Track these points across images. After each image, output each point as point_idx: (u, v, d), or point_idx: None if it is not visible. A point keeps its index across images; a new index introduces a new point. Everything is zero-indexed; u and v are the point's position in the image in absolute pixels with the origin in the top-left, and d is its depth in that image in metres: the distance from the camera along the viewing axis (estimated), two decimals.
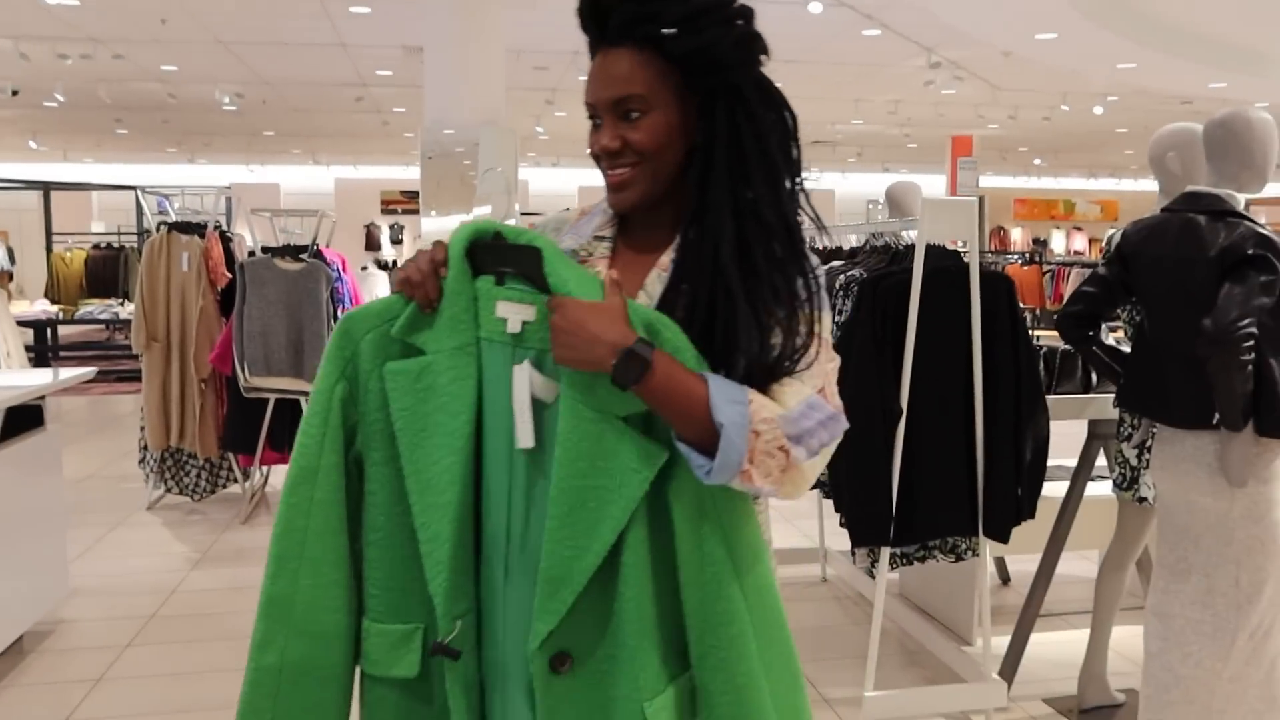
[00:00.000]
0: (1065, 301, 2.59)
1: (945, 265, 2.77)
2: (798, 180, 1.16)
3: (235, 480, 5.19)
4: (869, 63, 10.15)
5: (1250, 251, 2.08)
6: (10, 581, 3.17)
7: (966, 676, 3.00)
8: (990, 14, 8.19)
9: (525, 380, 1.10)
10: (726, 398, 1.04)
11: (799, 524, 4.82)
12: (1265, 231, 2.13)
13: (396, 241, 21.81)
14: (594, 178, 1.23)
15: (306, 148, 17.34)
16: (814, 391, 1.11)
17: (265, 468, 5.32)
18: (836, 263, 3.32)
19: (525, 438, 1.10)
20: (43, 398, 3.49)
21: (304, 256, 4.87)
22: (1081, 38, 8.84)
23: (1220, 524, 2.17)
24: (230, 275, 4.99)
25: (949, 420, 2.73)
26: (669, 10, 1.10)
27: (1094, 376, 3.20)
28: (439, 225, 10.22)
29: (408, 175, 21.06)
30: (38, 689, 3.09)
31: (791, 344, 1.11)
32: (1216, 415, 2.11)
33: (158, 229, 5.16)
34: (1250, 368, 2.02)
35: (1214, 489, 2.16)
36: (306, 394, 4.78)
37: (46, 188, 10.44)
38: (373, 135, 15.76)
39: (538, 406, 1.11)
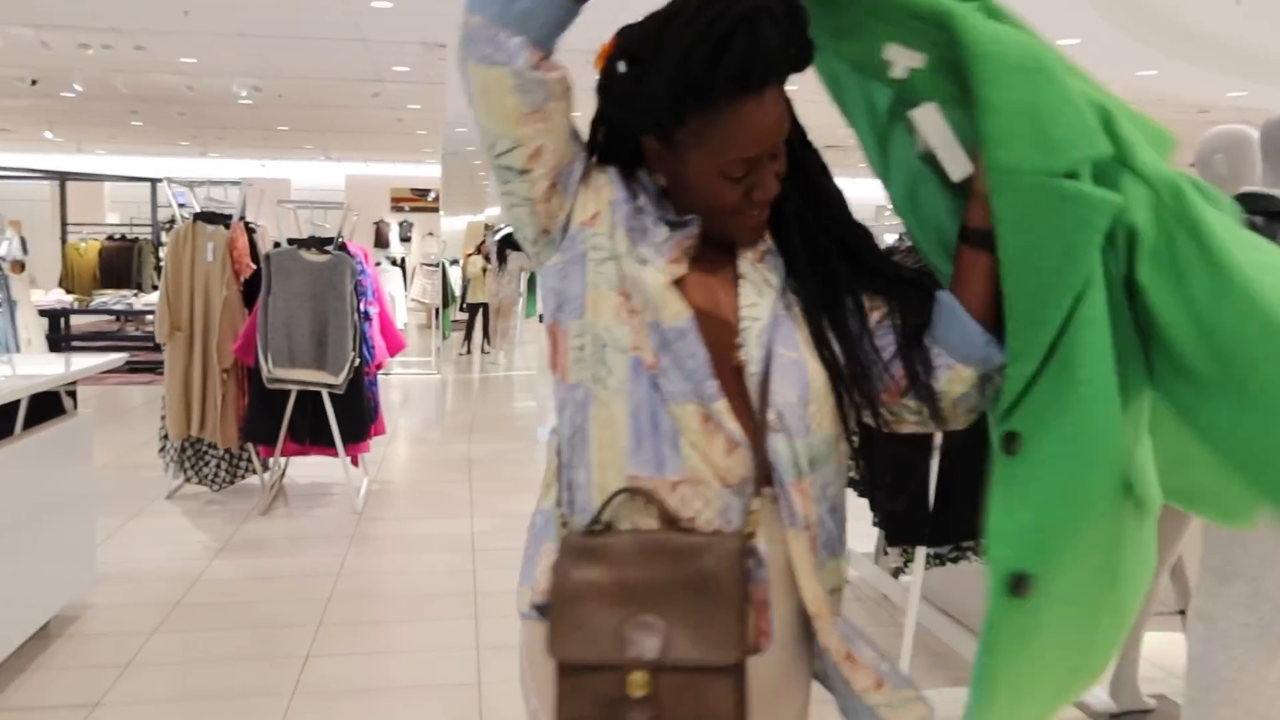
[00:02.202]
0: None
1: None
2: None
3: (254, 471, 5.19)
4: None
5: None
6: (38, 567, 3.17)
7: None
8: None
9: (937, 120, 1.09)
10: None
11: None
12: None
13: (405, 239, 21.85)
14: None
15: (319, 143, 17.37)
16: None
17: (284, 459, 5.32)
18: None
19: (959, 166, 1.08)
20: (74, 384, 3.49)
21: (329, 249, 4.87)
22: (1103, 43, 8.83)
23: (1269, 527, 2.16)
24: (255, 266, 4.99)
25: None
26: (804, 34, 1.06)
27: None
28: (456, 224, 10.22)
29: (418, 173, 21.10)
30: (66, 673, 3.08)
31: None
32: None
33: (169, 220, 5.17)
34: None
35: None
36: (328, 385, 4.80)
37: (63, 178, 10.45)
38: (386, 132, 15.79)
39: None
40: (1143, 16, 8.37)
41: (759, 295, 1.12)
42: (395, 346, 5.47)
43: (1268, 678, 2.18)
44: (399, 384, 9.69)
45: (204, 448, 5.12)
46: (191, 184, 5.78)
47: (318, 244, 4.88)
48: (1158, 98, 11.42)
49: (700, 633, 0.95)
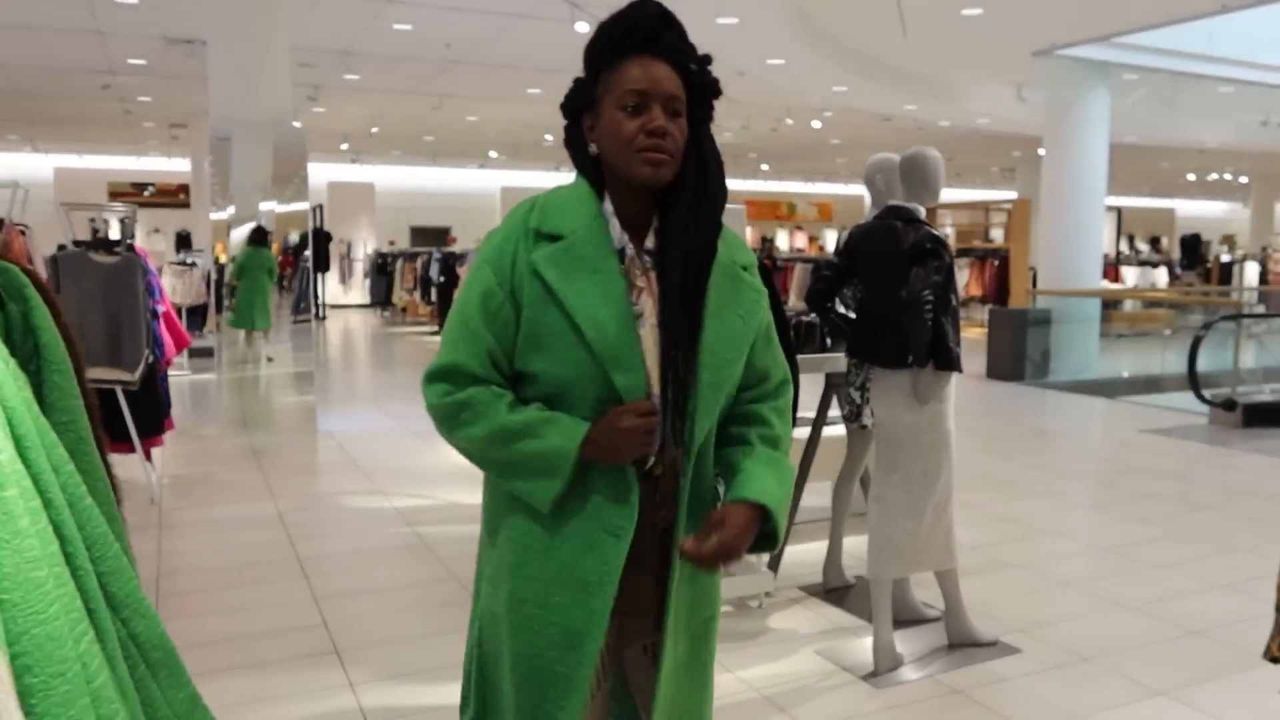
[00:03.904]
0: (812, 282, 3.52)
1: None
2: None
3: None
4: None
5: (928, 246, 3.07)
6: None
7: (741, 571, 3.89)
8: (729, 41, 9.39)
9: None
10: None
11: None
12: (937, 233, 3.13)
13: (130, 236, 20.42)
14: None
15: (26, 134, 16.06)
16: None
17: None
18: None
19: None
20: None
21: (118, 250, 5.04)
22: (803, 64, 10.27)
23: (913, 432, 3.16)
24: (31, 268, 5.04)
25: None
26: (692, 50, 1.44)
27: (829, 340, 4.19)
28: (213, 220, 10.12)
29: (140, 166, 19.88)
30: None
31: None
32: (910, 357, 3.09)
33: None
34: (929, 323, 3.00)
35: (910, 407, 3.14)
36: (124, 383, 4.98)
37: None
38: (110, 124, 14.92)
39: None
40: (833, 44, 9.86)
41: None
42: (182, 343, 5.67)
43: (916, 535, 3.20)
44: None
45: None
46: None
47: (106, 245, 5.03)
48: (850, 108, 13.24)
49: None
